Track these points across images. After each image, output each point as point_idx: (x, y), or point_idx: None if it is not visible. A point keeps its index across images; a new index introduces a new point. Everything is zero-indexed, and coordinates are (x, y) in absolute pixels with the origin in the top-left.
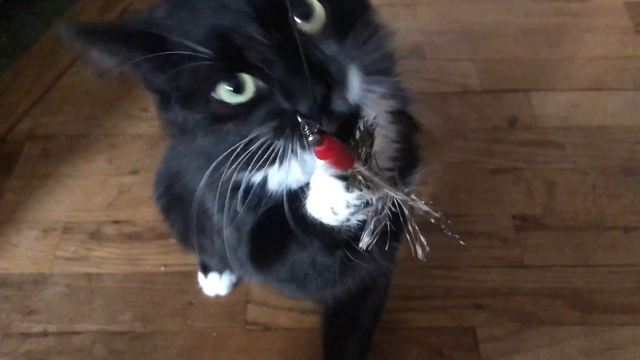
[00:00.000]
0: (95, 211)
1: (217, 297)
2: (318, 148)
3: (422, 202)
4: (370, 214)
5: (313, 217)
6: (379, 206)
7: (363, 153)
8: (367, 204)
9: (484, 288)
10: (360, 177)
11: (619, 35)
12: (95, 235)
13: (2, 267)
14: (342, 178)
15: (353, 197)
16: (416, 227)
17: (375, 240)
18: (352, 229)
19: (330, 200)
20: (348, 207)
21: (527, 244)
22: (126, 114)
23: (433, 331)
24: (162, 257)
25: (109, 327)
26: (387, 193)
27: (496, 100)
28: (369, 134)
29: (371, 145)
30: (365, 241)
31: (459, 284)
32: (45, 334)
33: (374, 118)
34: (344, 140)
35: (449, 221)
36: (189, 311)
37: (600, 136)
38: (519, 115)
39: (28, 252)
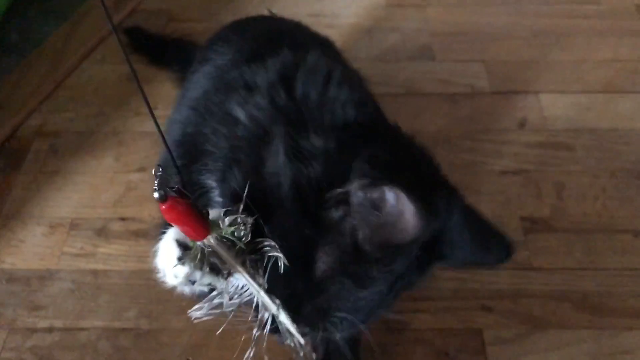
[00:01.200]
0: (102, 208)
1: None
2: (162, 205)
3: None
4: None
5: None
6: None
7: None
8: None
9: (492, 290)
10: (211, 259)
11: (630, 37)
12: (102, 232)
13: (9, 262)
14: (183, 247)
15: (182, 271)
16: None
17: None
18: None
19: (162, 262)
20: (176, 277)
21: (535, 246)
22: (134, 112)
23: (439, 333)
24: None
25: (114, 324)
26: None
27: (506, 102)
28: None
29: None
30: (194, 314)
31: (467, 285)
32: (50, 329)
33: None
34: None
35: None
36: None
37: (611, 139)
38: (528, 117)
39: (35, 248)
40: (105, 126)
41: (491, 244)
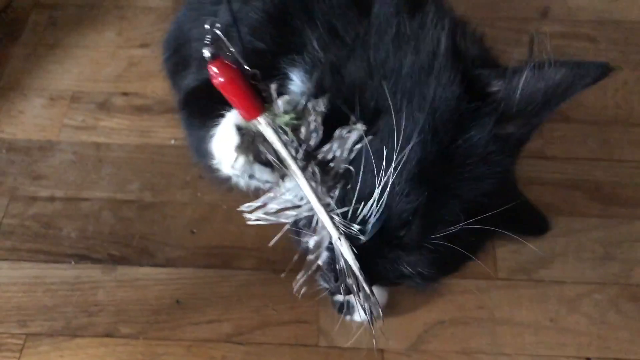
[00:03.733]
0: (103, 82)
1: None
2: (213, 66)
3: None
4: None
5: None
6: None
7: (287, 125)
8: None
9: None
10: (262, 148)
11: None
12: (104, 106)
13: (9, 132)
14: (240, 131)
15: (240, 161)
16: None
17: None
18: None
19: (219, 148)
20: (233, 167)
21: (550, 135)
22: None
23: None
24: (173, 131)
25: (116, 196)
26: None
27: None
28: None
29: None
30: (247, 215)
31: None
32: (52, 198)
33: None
34: None
35: None
36: (199, 184)
37: (637, 32)
38: (551, 6)
39: (35, 119)
40: (106, 0)
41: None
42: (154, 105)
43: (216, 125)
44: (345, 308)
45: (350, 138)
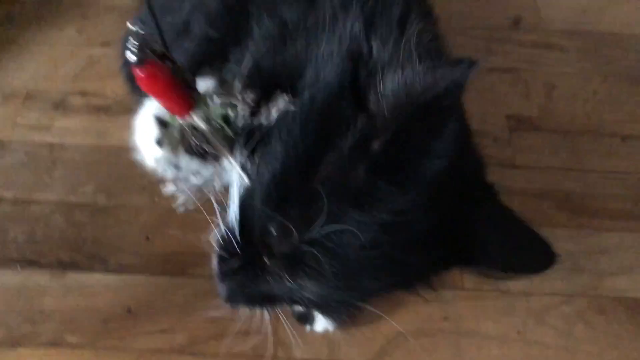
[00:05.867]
0: (61, 81)
1: None
2: (138, 70)
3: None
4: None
5: None
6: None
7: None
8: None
9: None
10: (193, 141)
11: None
12: (60, 106)
13: None
14: (161, 123)
15: (161, 153)
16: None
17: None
18: None
19: (140, 141)
20: (156, 160)
21: (520, 144)
22: None
23: None
24: (130, 133)
25: (69, 198)
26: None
27: None
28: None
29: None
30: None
31: None
32: (0, 200)
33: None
34: None
35: None
36: (156, 188)
37: (607, 43)
38: (523, 15)
39: None
40: None
41: (529, 249)
42: (113, 105)
43: (135, 117)
44: (305, 317)
45: (274, 107)
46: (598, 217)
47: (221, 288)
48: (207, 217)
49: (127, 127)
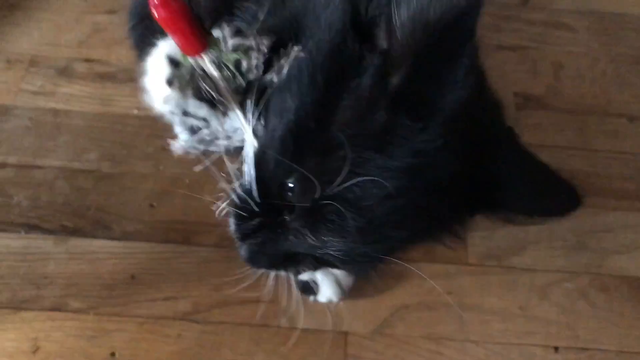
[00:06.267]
0: (65, 47)
1: None
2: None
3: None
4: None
5: None
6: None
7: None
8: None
9: None
10: (202, 85)
11: None
12: (65, 72)
13: None
14: (173, 63)
15: (171, 94)
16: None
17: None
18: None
19: (150, 82)
20: (165, 102)
21: (526, 122)
22: None
23: None
24: (136, 101)
25: (73, 165)
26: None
27: None
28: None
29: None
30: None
31: None
32: (3, 165)
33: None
34: None
35: None
36: (161, 156)
37: (617, 23)
38: None
39: None
40: None
41: (554, 192)
42: (118, 73)
43: (148, 55)
44: (308, 288)
45: (286, 61)
46: (603, 196)
47: (242, 249)
48: (217, 178)
49: (132, 95)
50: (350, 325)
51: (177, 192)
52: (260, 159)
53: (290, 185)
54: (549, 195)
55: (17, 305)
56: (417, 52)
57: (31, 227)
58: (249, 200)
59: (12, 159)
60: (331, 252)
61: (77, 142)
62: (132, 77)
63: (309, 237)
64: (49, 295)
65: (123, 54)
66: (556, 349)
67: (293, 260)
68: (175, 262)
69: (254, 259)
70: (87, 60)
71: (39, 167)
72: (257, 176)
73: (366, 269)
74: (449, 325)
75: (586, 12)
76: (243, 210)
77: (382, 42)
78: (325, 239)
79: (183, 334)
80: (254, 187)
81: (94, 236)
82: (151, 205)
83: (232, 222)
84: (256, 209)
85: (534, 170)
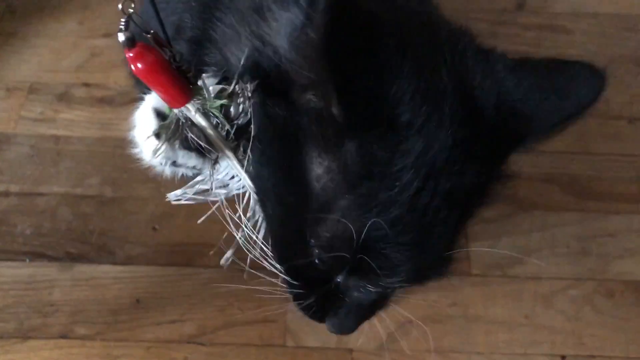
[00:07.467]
0: (64, 73)
1: None
2: (130, 52)
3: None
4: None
5: None
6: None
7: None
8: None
9: None
10: (189, 134)
11: None
12: (64, 97)
13: None
14: (159, 115)
15: (159, 146)
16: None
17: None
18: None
19: (139, 135)
20: (154, 154)
21: None
22: None
23: None
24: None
25: (75, 190)
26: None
27: None
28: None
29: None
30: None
31: None
32: (6, 193)
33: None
34: None
35: None
36: (162, 178)
37: (613, 25)
38: None
39: None
40: None
41: (570, 84)
42: (116, 96)
43: (135, 110)
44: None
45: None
46: (605, 200)
47: (331, 328)
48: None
49: (131, 118)
50: (355, 342)
51: (179, 213)
52: (276, 238)
53: (317, 261)
54: (568, 89)
55: (25, 334)
56: (326, 70)
57: (36, 255)
58: (291, 282)
59: (14, 188)
60: (399, 285)
61: (78, 167)
62: (130, 100)
63: (370, 287)
64: (56, 323)
65: (121, 77)
66: (563, 358)
67: (376, 306)
68: (179, 284)
69: (345, 328)
70: (86, 85)
71: (42, 195)
72: (279, 257)
73: (440, 270)
74: (454, 337)
75: (582, 14)
76: (295, 294)
77: (301, 85)
78: (382, 283)
79: (190, 356)
80: (283, 270)
81: (99, 262)
82: (154, 229)
83: (295, 305)
84: (302, 286)
85: (540, 76)
